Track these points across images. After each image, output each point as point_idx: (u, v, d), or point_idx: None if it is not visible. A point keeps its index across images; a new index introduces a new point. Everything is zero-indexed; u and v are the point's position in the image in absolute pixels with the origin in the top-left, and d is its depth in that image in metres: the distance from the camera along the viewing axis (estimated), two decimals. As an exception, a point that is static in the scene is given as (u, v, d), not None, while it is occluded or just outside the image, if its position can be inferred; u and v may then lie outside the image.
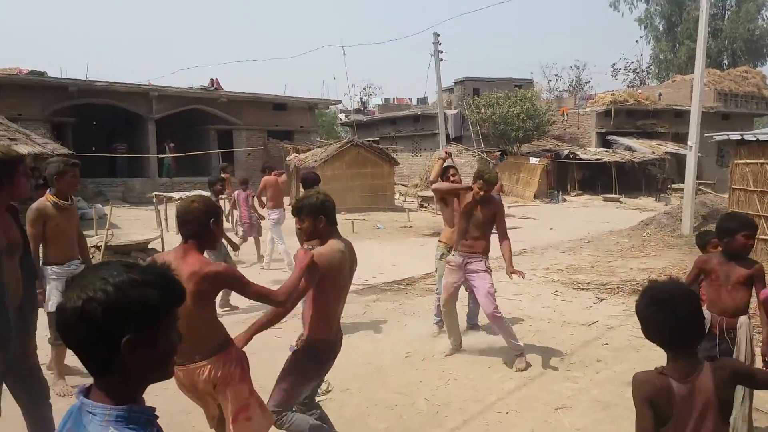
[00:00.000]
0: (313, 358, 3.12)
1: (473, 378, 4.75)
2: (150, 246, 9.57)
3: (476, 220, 5.01)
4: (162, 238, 10.06)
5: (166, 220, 11.79)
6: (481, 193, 4.88)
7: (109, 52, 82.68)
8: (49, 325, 4.29)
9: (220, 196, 8.34)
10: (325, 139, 28.61)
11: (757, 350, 3.46)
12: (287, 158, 20.80)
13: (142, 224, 13.48)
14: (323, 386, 4.40)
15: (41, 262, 4.26)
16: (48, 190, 4.24)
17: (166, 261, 2.39)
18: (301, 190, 6.73)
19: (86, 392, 1.17)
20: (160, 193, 12.93)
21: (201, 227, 2.63)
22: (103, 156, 20.82)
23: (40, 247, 4.22)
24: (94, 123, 23.44)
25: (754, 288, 3.39)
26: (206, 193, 11.01)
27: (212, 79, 24.26)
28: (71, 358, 4.49)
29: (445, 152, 6.18)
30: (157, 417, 1.20)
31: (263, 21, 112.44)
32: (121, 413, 1.13)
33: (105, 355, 1.13)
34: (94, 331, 1.11)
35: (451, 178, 5.71)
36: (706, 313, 3.52)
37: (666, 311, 1.78)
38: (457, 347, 5.29)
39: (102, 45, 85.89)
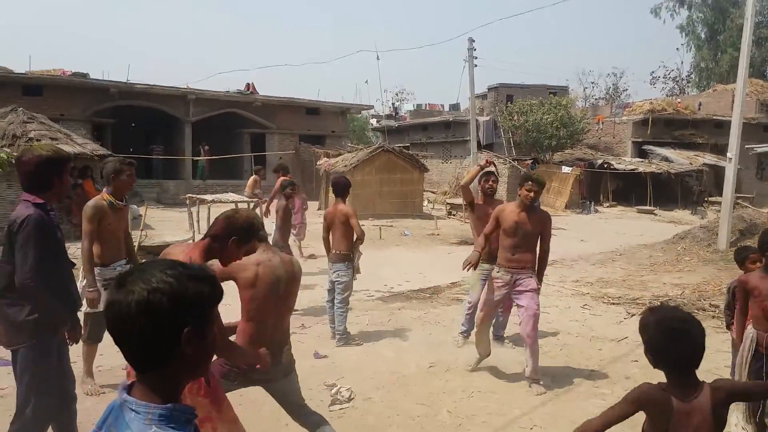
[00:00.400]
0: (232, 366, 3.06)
1: (498, 391, 4.70)
2: (182, 247, 9.75)
3: (524, 231, 4.74)
4: (193, 239, 10.26)
5: (198, 221, 12.02)
6: (531, 195, 4.65)
7: (150, 55, 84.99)
8: (84, 323, 4.39)
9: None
10: (356, 144, 28.74)
11: None
12: (318, 162, 20.97)
13: (175, 225, 13.76)
14: (345, 394, 4.41)
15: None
16: (104, 189, 4.32)
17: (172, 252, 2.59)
18: (331, 194, 6.78)
19: (128, 389, 1.19)
20: (194, 195, 13.18)
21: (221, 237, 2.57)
22: (140, 157, 21.39)
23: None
24: (133, 124, 24.08)
25: None
26: (239, 196, 11.31)
27: (248, 84, 24.69)
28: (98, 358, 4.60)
29: (487, 161, 5.94)
30: (195, 416, 1.23)
31: (299, 26, 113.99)
32: (164, 412, 1.14)
33: (162, 349, 1.16)
34: (158, 322, 1.13)
35: (487, 185, 5.55)
36: (752, 332, 3.44)
37: (683, 341, 1.87)
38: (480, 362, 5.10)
39: (144, 48, 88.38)
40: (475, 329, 5.08)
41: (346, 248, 5.98)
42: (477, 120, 24.73)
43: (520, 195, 4.73)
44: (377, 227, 14.33)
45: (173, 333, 1.15)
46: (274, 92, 25.27)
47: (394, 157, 19.86)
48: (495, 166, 5.97)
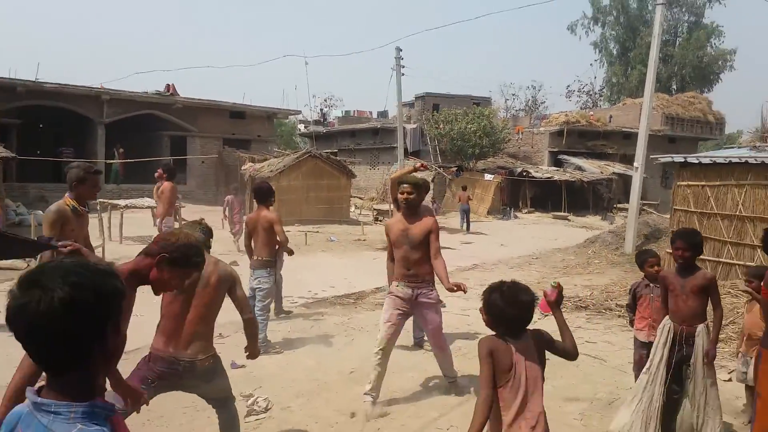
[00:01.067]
0: (145, 365, 3.02)
1: (416, 394, 4.74)
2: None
3: (411, 238, 4.40)
4: (103, 247, 9.71)
5: (109, 228, 11.41)
6: (404, 197, 4.35)
7: (61, 53, 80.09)
8: None
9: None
10: (282, 149, 28.37)
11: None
12: (242, 167, 20.50)
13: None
14: (262, 404, 4.30)
15: None
16: (67, 194, 4.17)
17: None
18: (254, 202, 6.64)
19: (38, 393, 1.16)
20: (106, 200, 12.50)
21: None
22: (49, 160, 20.07)
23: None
24: (41, 125, 22.57)
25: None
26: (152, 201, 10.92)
27: (168, 85, 23.76)
28: None
29: (422, 165, 5.76)
30: (114, 412, 1.22)
31: (224, 28, 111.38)
32: (86, 409, 1.14)
33: (86, 345, 1.14)
34: (85, 318, 1.12)
35: (401, 196, 4.52)
36: (668, 323, 3.78)
37: (521, 307, 2.47)
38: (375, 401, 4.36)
39: (54, 46, 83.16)
40: (378, 349, 4.42)
41: (268, 254, 5.88)
42: (404, 127, 25.08)
43: (397, 200, 4.45)
44: (303, 233, 14.17)
45: (98, 328, 1.15)
46: (197, 95, 24.47)
47: (321, 162, 19.76)
48: (425, 168, 5.84)
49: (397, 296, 4.52)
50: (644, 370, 3.88)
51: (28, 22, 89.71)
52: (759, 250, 8.20)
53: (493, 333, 2.56)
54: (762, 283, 3.43)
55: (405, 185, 4.42)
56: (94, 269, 1.19)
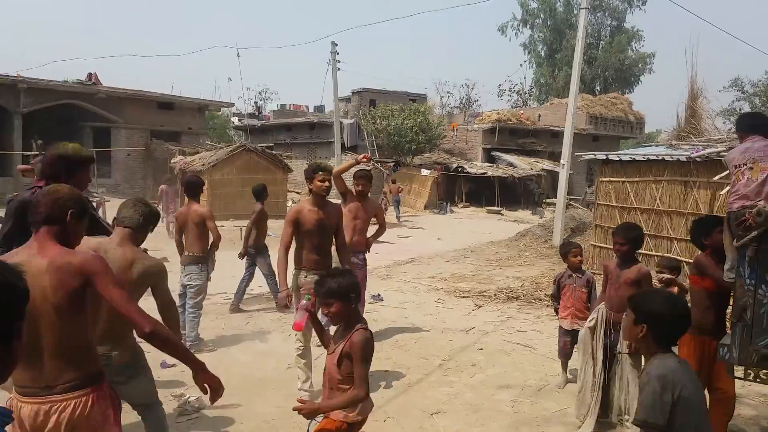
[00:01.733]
0: None
1: (354, 387, 4.75)
2: (7, 252, 8.62)
3: (326, 227, 4.51)
4: (22, 244, 9.12)
5: (28, 223, 10.72)
6: (326, 185, 4.39)
7: (-31, 35, 74.15)
8: None
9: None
10: (215, 143, 27.60)
11: None
12: (172, 160, 19.79)
13: None
14: (195, 404, 4.19)
15: None
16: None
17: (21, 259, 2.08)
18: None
19: None
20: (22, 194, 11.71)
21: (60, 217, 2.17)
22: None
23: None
24: (-52, 114, 20.87)
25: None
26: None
27: (90, 74, 22.54)
28: None
29: (365, 156, 5.88)
30: (12, 419, 1.18)
31: (151, 15, 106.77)
32: None
33: None
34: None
35: (358, 188, 5.49)
36: (602, 308, 4.04)
37: None
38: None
39: (-39, 27, 76.89)
40: (300, 345, 4.39)
41: (199, 250, 5.71)
42: (341, 122, 25.02)
43: (312, 188, 4.40)
44: (238, 228, 13.84)
45: (8, 331, 1.11)
46: (122, 84, 23.35)
47: (256, 156, 19.37)
48: (371, 162, 6.01)
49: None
50: (581, 353, 4.10)
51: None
52: (675, 242, 8.77)
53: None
54: (689, 273, 3.70)
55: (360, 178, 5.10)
56: (2, 268, 1.13)
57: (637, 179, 9.51)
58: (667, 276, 4.10)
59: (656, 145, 11.31)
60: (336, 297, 2.63)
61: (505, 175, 27.22)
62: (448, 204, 25.97)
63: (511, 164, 28.70)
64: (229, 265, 7.76)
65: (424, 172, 26.05)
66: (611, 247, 9.42)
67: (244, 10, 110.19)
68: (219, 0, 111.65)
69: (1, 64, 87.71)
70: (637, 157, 9.56)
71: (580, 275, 4.78)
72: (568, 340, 4.72)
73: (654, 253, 9.12)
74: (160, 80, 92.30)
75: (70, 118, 22.18)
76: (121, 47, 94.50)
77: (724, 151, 7.56)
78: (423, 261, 11.36)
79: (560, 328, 4.80)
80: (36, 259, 2.06)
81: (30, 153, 20.10)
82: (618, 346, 3.89)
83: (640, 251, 9.21)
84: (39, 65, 76.44)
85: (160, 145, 22.80)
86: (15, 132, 20.11)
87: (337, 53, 22.23)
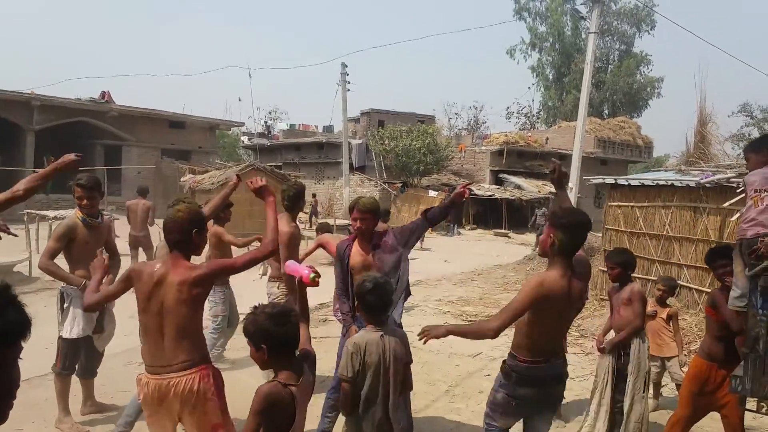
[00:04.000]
0: None
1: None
2: (15, 269, 8.70)
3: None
4: (30, 261, 9.16)
5: (37, 240, 10.78)
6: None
7: (-13, 53, 75.63)
8: (58, 351, 4.05)
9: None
10: (225, 162, 27.83)
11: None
12: (182, 179, 19.94)
13: (10, 243, 12.21)
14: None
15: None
16: (77, 207, 4.12)
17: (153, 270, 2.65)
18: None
19: None
20: (33, 211, 11.83)
21: (184, 235, 2.69)
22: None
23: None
24: (-37, 130, 21.21)
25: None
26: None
27: (103, 92, 22.90)
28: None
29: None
30: None
31: (165, 36, 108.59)
32: None
33: None
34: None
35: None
36: (612, 333, 4.20)
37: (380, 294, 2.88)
38: None
39: (-21, 45, 78.48)
40: None
41: None
42: (350, 143, 25.18)
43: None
44: (247, 248, 13.88)
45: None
46: (135, 103, 23.68)
47: (265, 176, 19.46)
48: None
49: None
50: (597, 376, 4.15)
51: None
52: (684, 269, 8.68)
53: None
54: (706, 305, 3.72)
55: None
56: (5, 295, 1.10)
57: (646, 204, 9.46)
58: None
59: (665, 170, 11.28)
60: (247, 338, 2.30)
61: (513, 198, 27.19)
62: (456, 226, 25.93)
63: (518, 186, 28.69)
64: (240, 285, 7.76)
65: (432, 193, 26.07)
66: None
67: (255, 32, 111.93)
68: (231, 21, 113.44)
69: (16, 81, 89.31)
70: (646, 182, 9.52)
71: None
72: None
73: (663, 279, 9.02)
74: (172, 100, 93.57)
75: (82, 136, 22.47)
76: (134, 66, 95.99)
77: (734, 177, 7.52)
78: (430, 283, 11.30)
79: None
80: (170, 274, 2.63)
81: (40, 170, 20.39)
82: (629, 367, 3.94)
83: (644, 276, 9.21)
84: (53, 83, 77.78)
85: (170, 163, 23.01)
86: (28, 148, 20.39)
87: (347, 74, 22.49)
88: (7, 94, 19.89)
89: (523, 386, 2.88)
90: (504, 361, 3.03)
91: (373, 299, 2.88)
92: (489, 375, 5.70)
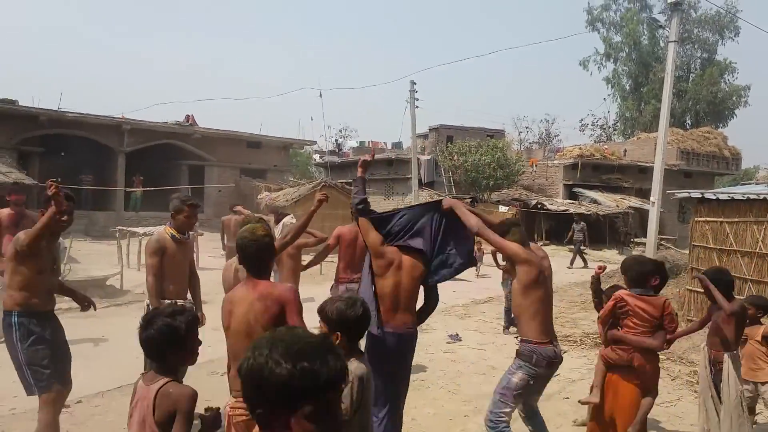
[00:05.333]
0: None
1: (430, 426, 4.66)
2: (108, 282, 9.30)
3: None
4: (122, 275, 9.78)
5: (128, 255, 11.50)
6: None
7: (84, 82, 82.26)
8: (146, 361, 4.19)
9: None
10: (298, 179, 28.67)
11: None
12: (259, 196, 20.71)
13: (103, 259, 13.11)
14: None
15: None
16: (168, 224, 4.46)
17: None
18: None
19: None
20: (124, 228, 12.65)
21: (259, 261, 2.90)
22: (68, 187, 20.41)
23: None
24: (62, 153, 23.06)
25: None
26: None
27: (188, 115, 24.26)
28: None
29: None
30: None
31: (242, 58, 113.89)
32: None
33: None
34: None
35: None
36: (704, 346, 4.36)
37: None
38: None
39: (78, 75, 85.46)
40: None
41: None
42: (418, 158, 25.30)
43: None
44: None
45: None
46: (215, 125, 24.93)
47: (336, 192, 19.86)
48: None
49: None
50: (701, 391, 4.33)
51: (52, 53, 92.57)
52: (781, 288, 8.05)
53: None
54: None
55: None
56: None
57: (736, 219, 8.88)
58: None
59: (756, 183, 10.56)
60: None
61: (588, 212, 26.25)
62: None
63: (594, 201, 27.68)
64: (308, 299, 7.93)
65: (502, 208, 25.63)
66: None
67: (328, 51, 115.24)
68: (304, 43, 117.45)
69: (108, 106, 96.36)
70: (737, 196, 8.94)
71: None
72: None
73: (758, 299, 8.41)
74: (250, 121, 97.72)
75: (168, 157, 23.86)
76: (215, 90, 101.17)
77: (838, 190, 6.93)
78: (501, 301, 11.06)
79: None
80: (250, 293, 2.77)
81: (131, 190, 21.81)
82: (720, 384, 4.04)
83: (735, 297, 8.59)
84: (141, 107, 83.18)
85: (248, 182, 23.97)
86: (119, 169, 21.86)
87: (416, 91, 22.69)
88: (101, 119, 21.47)
89: (540, 366, 3.53)
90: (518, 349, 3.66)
91: (362, 324, 2.74)
92: (568, 398, 5.49)
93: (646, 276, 3.69)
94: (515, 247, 3.65)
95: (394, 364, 3.65)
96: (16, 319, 3.63)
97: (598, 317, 3.87)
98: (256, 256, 2.83)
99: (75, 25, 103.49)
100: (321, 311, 2.67)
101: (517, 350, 3.67)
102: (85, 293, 8.98)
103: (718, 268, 4.62)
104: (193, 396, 2.21)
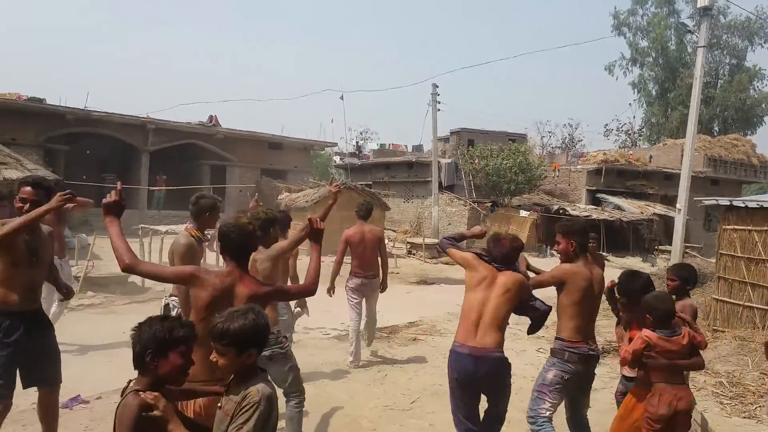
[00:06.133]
0: None
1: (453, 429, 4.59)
2: (129, 280, 9.39)
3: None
4: (144, 272, 9.87)
5: (149, 253, 11.62)
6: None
7: (110, 82, 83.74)
8: None
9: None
10: (318, 180, 28.79)
11: None
12: (279, 197, 20.83)
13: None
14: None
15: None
16: (189, 224, 4.28)
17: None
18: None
19: None
20: (147, 226, 12.80)
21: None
22: (93, 185, 20.78)
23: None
24: (88, 152, 23.49)
25: None
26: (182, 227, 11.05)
27: (211, 116, 24.54)
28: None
29: (336, 186, 5.72)
30: None
31: (265, 60, 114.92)
32: None
33: None
34: None
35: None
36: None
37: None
38: None
39: (104, 75, 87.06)
40: None
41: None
42: (439, 162, 25.18)
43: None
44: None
45: None
46: (237, 126, 25.16)
47: (356, 194, 19.88)
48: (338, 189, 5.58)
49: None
50: None
51: (79, 53, 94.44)
52: (813, 300, 7.80)
53: None
54: None
55: None
56: None
57: (766, 228, 8.65)
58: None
59: (787, 191, 10.29)
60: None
61: (612, 219, 25.86)
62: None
63: (618, 207, 27.26)
64: (327, 301, 7.91)
65: (523, 213, 25.39)
66: (736, 301, 8.58)
67: (350, 53, 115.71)
68: (328, 46, 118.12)
69: (133, 106, 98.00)
70: (766, 204, 8.72)
71: None
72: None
73: (789, 311, 8.18)
74: (272, 122, 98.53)
75: (191, 157, 24.16)
76: (238, 92, 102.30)
77: None
78: (522, 306, 10.93)
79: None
80: (240, 287, 2.72)
81: (153, 188, 22.11)
82: None
83: (764, 307, 8.36)
84: (165, 107, 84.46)
85: (269, 182, 24.13)
86: (143, 168, 22.19)
87: (438, 94, 22.61)
88: (126, 118, 21.84)
89: (572, 363, 3.67)
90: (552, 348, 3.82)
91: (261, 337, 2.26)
92: (590, 407, 5.36)
93: (674, 314, 3.53)
94: (557, 272, 3.97)
95: (472, 389, 3.57)
96: None
97: (623, 352, 3.60)
98: (238, 242, 2.81)
99: (99, 24, 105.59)
100: (216, 331, 2.17)
101: (552, 348, 3.85)
102: (107, 289, 9.08)
103: (683, 264, 5.05)
104: (136, 410, 1.97)
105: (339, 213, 18.86)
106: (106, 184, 21.54)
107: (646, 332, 3.53)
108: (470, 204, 25.71)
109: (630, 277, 4.02)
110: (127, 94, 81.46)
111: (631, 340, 3.61)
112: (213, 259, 10.23)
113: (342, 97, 26.60)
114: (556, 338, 3.84)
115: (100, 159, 23.88)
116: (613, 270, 20.81)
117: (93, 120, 20.91)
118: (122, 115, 21.81)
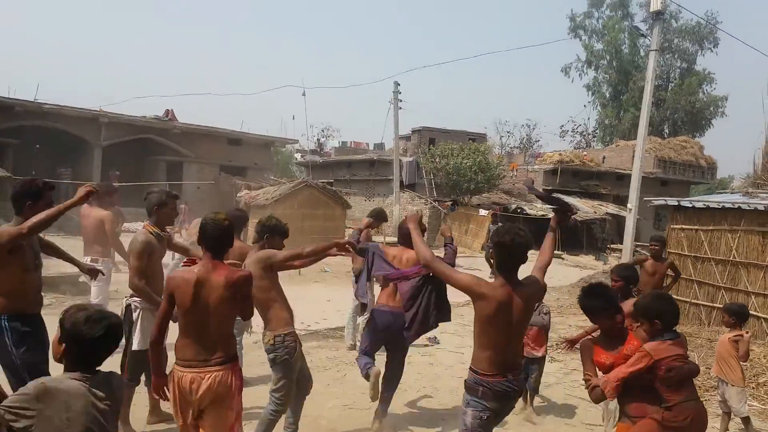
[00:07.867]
0: None
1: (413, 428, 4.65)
2: (81, 279, 9.08)
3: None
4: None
5: (104, 251, 11.27)
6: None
7: (61, 75, 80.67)
8: (125, 365, 4.16)
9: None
10: (279, 178, 28.50)
11: None
12: (238, 194, 20.53)
13: (77, 255, 12.82)
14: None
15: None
16: (147, 221, 4.24)
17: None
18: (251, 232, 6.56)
19: None
20: (101, 223, 12.39)
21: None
22: (45, 181, 20.01)
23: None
24: (38, 146, 22.59)
25: None
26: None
27: (167, 110, 23.96)
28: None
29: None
30: None
31: (225, 55, 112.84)
32: None
33: None
34: None
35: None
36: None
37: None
38: None
39: (55, 68, 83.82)
40: None
41: None
42: (401, 160, 25.30)
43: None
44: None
45: None
46: (195, 121, 24.63)
47: (317, 192, 19.79)
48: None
49: None
50: None
51: (28, 42, 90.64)
52: (752, 297, 8.22)
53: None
54: None
55: None
56: None
57: (711, 228, 9.05)
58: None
59: (731, 192, 10.78)
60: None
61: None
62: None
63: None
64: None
65: (482, 212, 25.77)
66: (683, 298, 8.93)
67: (310, 50, 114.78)
68: (287, 40, 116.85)
69: (85, 99, 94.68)
70: (712, 204, 9.13)
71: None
72: None
73: (730, 307, 8.56)
74: (230, 117, 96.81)
75: (146, 152, 23.53)
76: (196, 86, 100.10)
77: (809, 201, 7.10)
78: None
79: None
80: (213, 275, 2.96)
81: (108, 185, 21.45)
82: None
83: (708, 303, 8.76)
84: (120, 101, 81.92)
85: (228, 179, 23.75)
86: (95, 163, 21.49)
87: (400, 93, 22.70)
88: (78, 111, 21.11)
89: (488, 401, 3.08)
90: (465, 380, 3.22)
91: (95, 347, 2.15)
92: (545, 403, 5.52)
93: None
94: (466, 281, 3.21)
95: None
96: (6, 323, 3.42)
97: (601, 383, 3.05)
98: (215, 236, 3.01)
99: (52, 11, 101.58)
100: (63, 315, 2.17)
101: (465, 381, 3.23)
102: (57, 290, 8.75)
103: (626, 265, 5.62)
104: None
105: (300, 211, 18.83)
106: (62, 180, 20.82)
107: (651, 345, 2.94)
108: (431, 203, 25.93)
109: (589, 295, 3.41)
110: (79, 85, 78.68)
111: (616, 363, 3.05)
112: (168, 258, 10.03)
113: (304, 93, 26.32)
114: (470, 368, 3.21)
115: (50, 153, 23.01)
116: (568, 268, 21.32)
117: (43, 112, 20.15)
118: (74, 108, 21.09)
